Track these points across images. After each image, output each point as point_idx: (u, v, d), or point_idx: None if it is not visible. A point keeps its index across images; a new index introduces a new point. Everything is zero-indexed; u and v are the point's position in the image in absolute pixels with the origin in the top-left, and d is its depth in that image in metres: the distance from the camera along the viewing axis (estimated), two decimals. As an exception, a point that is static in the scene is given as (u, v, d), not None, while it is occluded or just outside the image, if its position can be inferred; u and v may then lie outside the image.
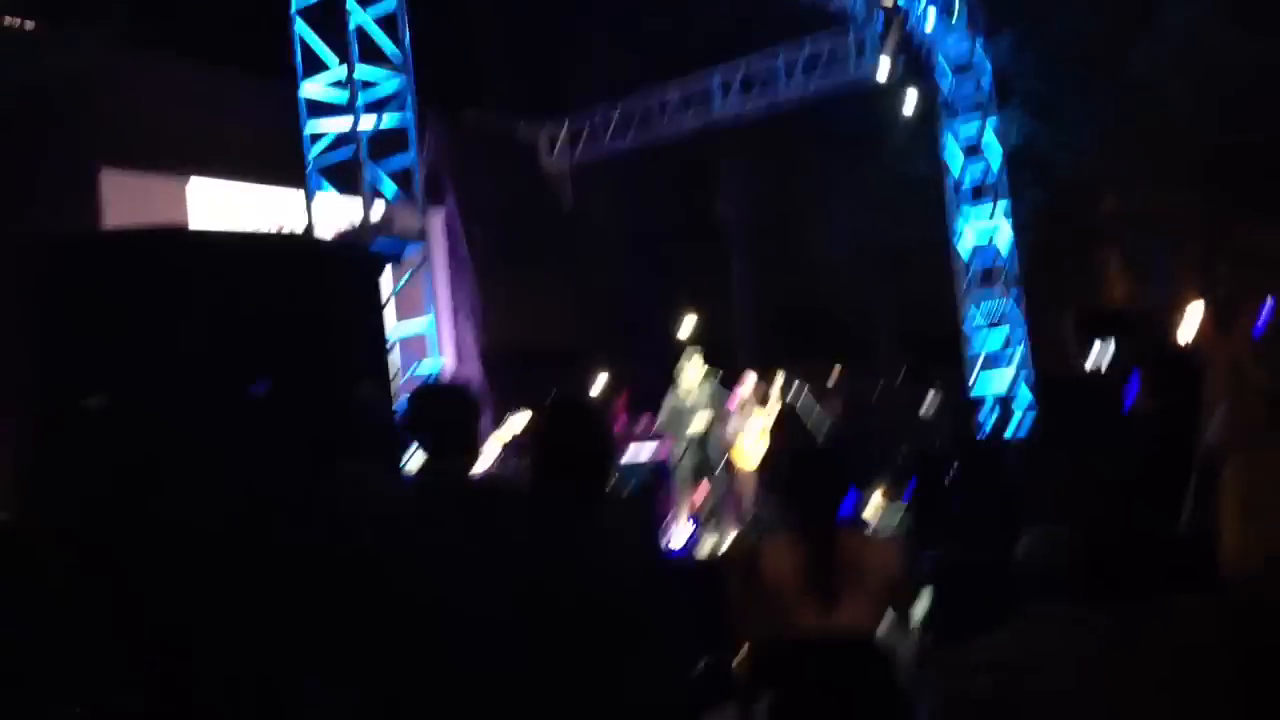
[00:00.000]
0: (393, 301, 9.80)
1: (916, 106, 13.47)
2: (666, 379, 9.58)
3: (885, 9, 11.54)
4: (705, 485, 9.45)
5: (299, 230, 9.33)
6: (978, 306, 12.83)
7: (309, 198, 9.21)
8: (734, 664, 3.58)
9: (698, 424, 9.08)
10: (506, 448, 9.44)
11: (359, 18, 8.87)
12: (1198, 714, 3.19)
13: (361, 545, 3.05)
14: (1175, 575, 3.61)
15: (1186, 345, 7.85)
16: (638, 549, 3.04)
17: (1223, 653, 3.24)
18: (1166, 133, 15.96)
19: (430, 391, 3.39)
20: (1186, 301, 18.63)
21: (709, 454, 9.31)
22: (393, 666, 2.83)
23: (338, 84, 8.99)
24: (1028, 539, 3.67)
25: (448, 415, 3.14)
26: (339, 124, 9.06)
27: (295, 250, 6.03)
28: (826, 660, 3.23)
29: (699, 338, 16.36)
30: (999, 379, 12.60)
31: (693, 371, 9.27)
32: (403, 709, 2.84)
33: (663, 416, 9.35)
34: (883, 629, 3.38)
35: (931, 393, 10.55)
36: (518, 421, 9.18)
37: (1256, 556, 3.14)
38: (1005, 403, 12.37)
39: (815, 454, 3.62)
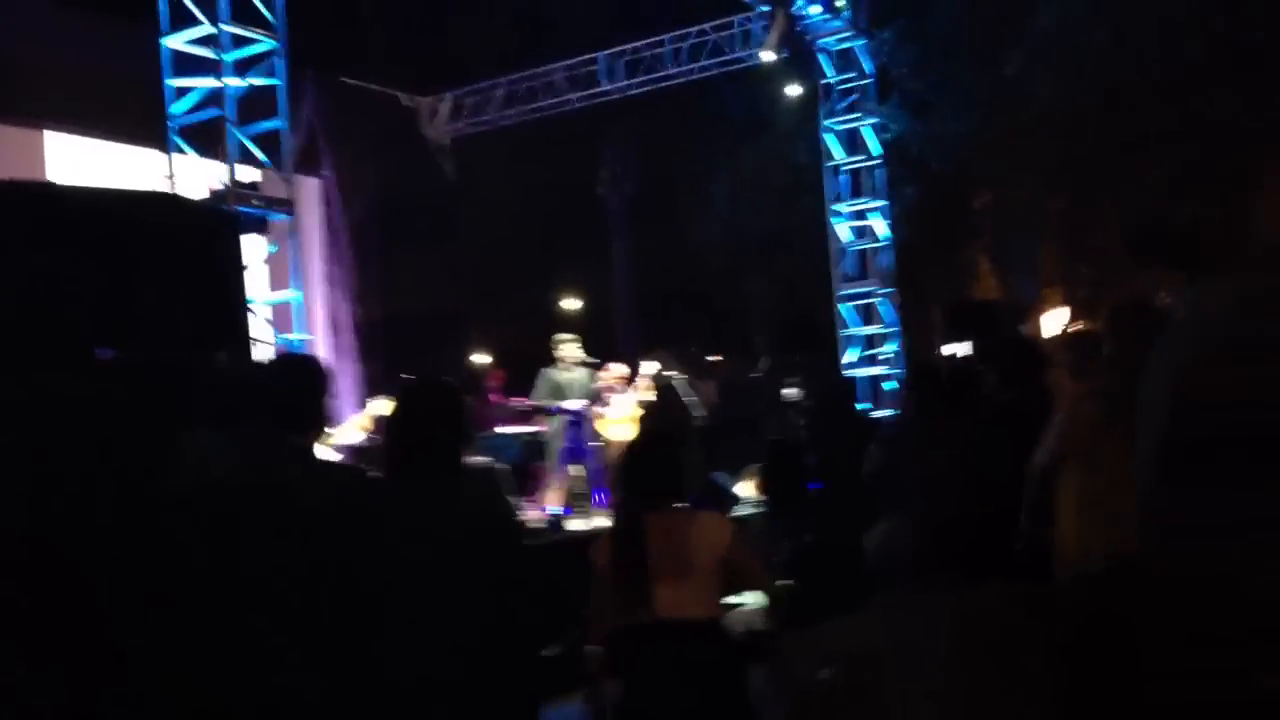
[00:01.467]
0: (265, 271, 9.51)
1: (799, 95, 13.63)
2: (544, 354, 9.51)
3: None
4: (572, 468, 9.39)
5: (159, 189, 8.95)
6: (850, 301, 13.02)
7: (169, 154, 8.85)
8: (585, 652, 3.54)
9: (570, 405, 9.03)
10: (377, 425, 9.28)
11: (229, -28, 8.53)
12: (1028, 701, 3.26)
13: (201, 512, 2.96)
14: (1018, 565, 3.69)
15: (1041, 340, 8.13)
16: (487, 524, 2.98)
17: (1056, 643, 3.31)
18: (1035, 132, 16.46)
19: (278, 364, 3.29)
20: (1051, 298, 19.30)
21: (581, 435, 9.27)
22: (226, 631, 2.77)
23: (206, 40, 8.63)
24: (878, 528, 3.72)
25: (294, 388, 3.05)
26: (205, 81, 8.71)
27: (153, 208, 5.78)
28: (661, 646, 3.18)
29: (578, 317, 16.34)
30: (870, 370, 12.83)
31: (568, 354, 9.22)
32: (230, 677, 2.76)
33: (538, 393, 9.26)
34: (729, 611, 3.35)
35: (795, 384, 10.67)
36: (383, 404, 9.01)
37: (1096, 555, 3.21)
38: (874, 393, 12.59)
39: (643, 442, 3.57)
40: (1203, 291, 1.89)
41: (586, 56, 13.95)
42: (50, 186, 7.66)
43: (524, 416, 11.73)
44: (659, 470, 3.37)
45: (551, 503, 9.21)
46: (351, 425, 9.24)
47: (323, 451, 8.02)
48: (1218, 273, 1.85)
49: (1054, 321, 19.03)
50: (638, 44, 13.61)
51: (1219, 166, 1.86)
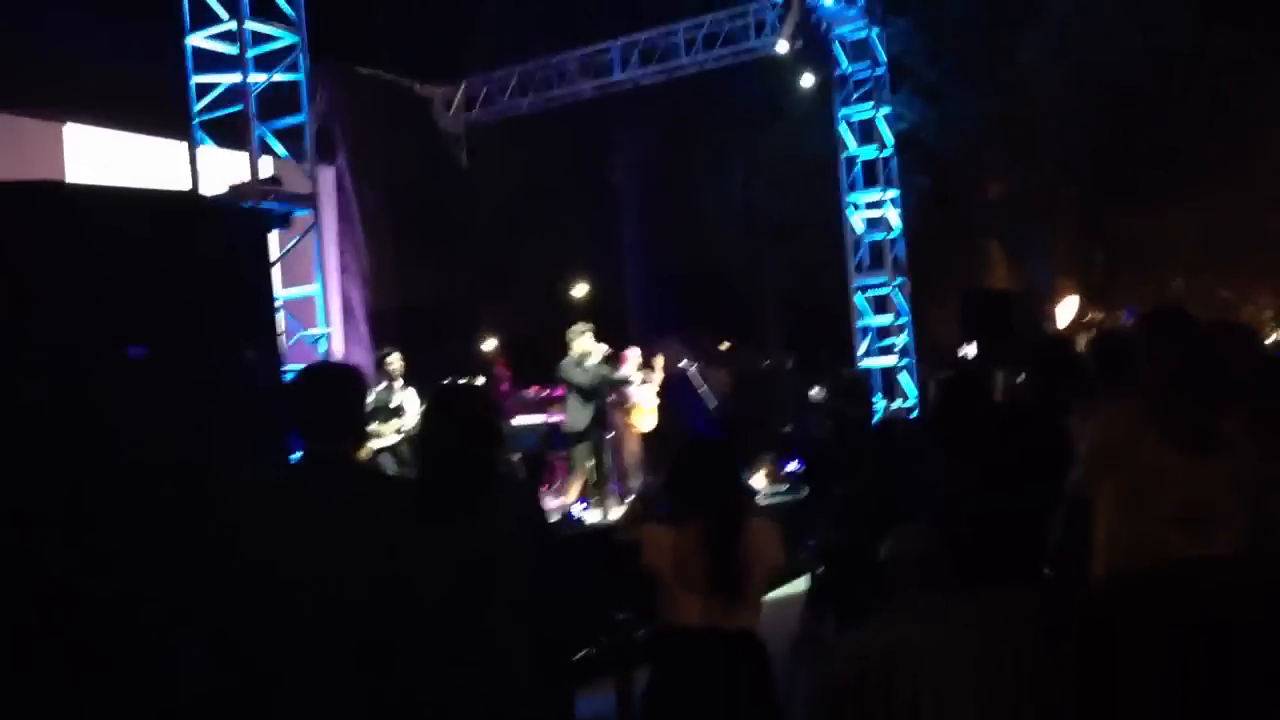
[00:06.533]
0: (280, 265, 9.58)
1: (813, 84, 13.64)
2: (557, 342, 9.55)
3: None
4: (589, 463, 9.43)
5: (184, 186, 9.04)
6: (864, 291, 13.04)
7: (193, 152, 8.92)
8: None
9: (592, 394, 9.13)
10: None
11: (250, -31, 8.58)
12: (1047, 700, 3.33)
13: (237, 519, 2.99)
14: (1040, 566, 3.75)
15: (1060, 334, 8.16)
16: (520, 534, 3.01)
17: (1079, 643, 3.38)
18: (1047, 120, 16.47)
19: (315, 372, 3.29)
20: (1065, 286, 19.30)
21: (599, 424, 9.36)
22: (259, 636, 2.83)
23: (227, 35, 8.69)
24: (897, 533, 3.79)
25: (334, 400, 3.05)
26: (227, 77, 8.78)
27: (180, 207, 5.85)
28: (708, 648, 3.27)
29: (589, 304, 16.38)
30: (884, 364, 12.86)
31: (583, 344, 9.28)
32: (266, 682, 2.82)
33: (566, 380, 9.25)
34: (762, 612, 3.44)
35: (817, 385, 10.70)
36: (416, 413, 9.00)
37: (1139, 555, 3.23)
38: (890, 388, 12.64)
39: (710, 446, 3.59)
40: None
41: (600, 45, 13.97)
42: (64, 186, 7.73)
43: (539, 406, 11.81)
44: (727, 478, 3.46)
45: (571, 494, 9.30)
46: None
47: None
48: None
49: (1066, 310, 19.12)
50: (651, 33, 13.63)
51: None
